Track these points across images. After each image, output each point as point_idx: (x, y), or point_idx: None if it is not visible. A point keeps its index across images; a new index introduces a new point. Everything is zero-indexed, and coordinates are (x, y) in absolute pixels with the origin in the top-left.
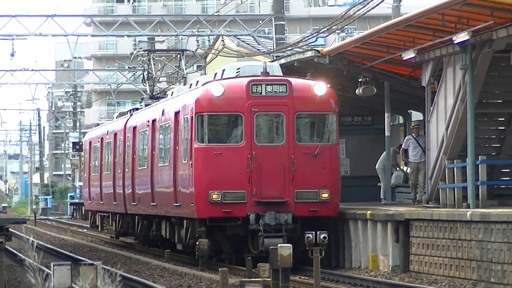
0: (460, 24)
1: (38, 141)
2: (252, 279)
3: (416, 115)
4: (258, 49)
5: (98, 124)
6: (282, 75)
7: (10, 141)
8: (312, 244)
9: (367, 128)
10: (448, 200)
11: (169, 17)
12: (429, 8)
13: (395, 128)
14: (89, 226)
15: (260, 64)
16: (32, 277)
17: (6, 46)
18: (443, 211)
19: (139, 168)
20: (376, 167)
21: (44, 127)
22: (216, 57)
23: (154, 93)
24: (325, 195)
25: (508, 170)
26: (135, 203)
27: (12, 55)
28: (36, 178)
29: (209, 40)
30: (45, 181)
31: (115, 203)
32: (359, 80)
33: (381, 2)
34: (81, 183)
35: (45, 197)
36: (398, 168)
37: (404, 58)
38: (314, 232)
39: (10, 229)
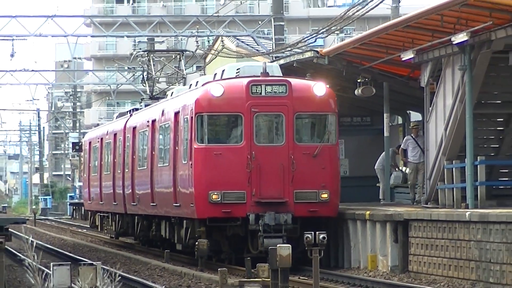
0: (459, 25)
1: (38, 141)
2: (251, 279)
3: (415, 116)
4: (257, 50)
5: (97, 125)
6: (281, 75)
7: (10, 141)
8: (311, 244)
9: (366, 129)
10: (447, 201)
11: (168, 18)
12: (428, 9)
13: (394, 129)
14: (88, 226)
15: (260, 64)
16: (32, 277)
17: (6, 46)
18: (442, 212)
19: (138, 169)
20: (375, 167)
21: (44, 128)
22: (215, 57)
23: (153, 94)
24: (325, 195)
25: (507, 171)
26: (134, 203)
27: (12, 55)
28: (36, 179)
29: (208, 41)
30: (45, 181)
31: (115, 203)
32: (358, 80)
33: (380, 3)
34: (81, 183)
35: (45, 197)
36: (397, 169)
37: (403, 59)
38: (313, 232)
39: (10, 229)
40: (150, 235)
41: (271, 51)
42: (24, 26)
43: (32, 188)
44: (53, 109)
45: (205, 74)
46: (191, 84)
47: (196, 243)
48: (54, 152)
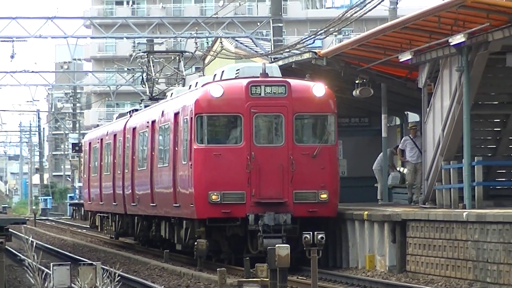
0: (456, 26)
1: (38, 142)
2: (250, 279)
3: (413, 117)
4: (256, 51)
5: (97, 125)
6: (281, 76)
7: (10, 142)
8: (309, 244)
9: (364, 129)
10: (445, 201)
11: (168, 19)
12: (426, 10)
13: (392, 129)
14: (88, 226)
15: (259, 65)
16: (32, 277)
17: (6, 48)
18: (439, 212)
19: (138, 169)
20: (373, 168)
21: (44, 128)
22: (214, 59)
23: (153, 95)
24: (324, 195)
25: (504, 171)
26: (134, 204)
27: (12, 57)
28: (36, 179)
29: (207, 42)
30: (45, 182)
31: (115, 203)
32: (356, 81)
33: (378, 4)
34: (81, 184)
35: (45, 197)
36: (395, 169)
37: (401, 60)
38: (311, 233)
39: (10, 230)
40: (150, 235)
41: (269, 52)
42: (24, 28)
43: (32, 189)
44: (53, 110)
45: (204, 75)
46: (190, 85)
47: (195, 243)
48: (54, 153)
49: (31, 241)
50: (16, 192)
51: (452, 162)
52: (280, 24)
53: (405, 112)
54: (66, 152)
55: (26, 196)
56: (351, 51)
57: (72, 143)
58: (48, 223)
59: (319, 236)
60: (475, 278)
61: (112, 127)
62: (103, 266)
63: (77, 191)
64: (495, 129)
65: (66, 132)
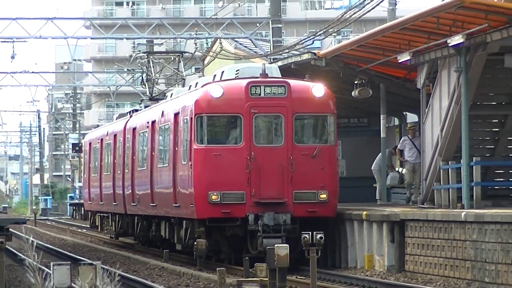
0: (454, 27)
1: (38, 142)
2: (249, 279)
3: (411, 117)
4: (255, 52)
5: (97, 126)
6: (281, 76)
7: (10, 142)
8: (308, 244)
9: (363, 130)
10: (443, 201)
11: (167, 20)
12: (424, 11)
13: (391, 130)
14: (88, 226)
15: (259, 66)
16: (32, 277)
17: (6, 48)
18: (437, 212)
19: (138, 169)
20: (372, 168)
21: (44, 129)
22: (213, 59)
23: (153, 95)
24: (324, 195)
25: (502, 171)
26: (134, 204)
27: (13, 57)
28: (36, 179)
29: (207, 43)
30: (45, 182)
31: (115, 203)
32: (355, 82)
33: (377, 5)
34: (81, 184)
35: (45, 197)
36: (393, 170)
37: (400, 61)
38: (310, 232)
39: (10, 229)
40: (150, 235)
41: (269, 53)
42: (25, 28)
43: (32, 189)
44: (53, 110)
45: (203, 76)
46: (190, 85)
47: (195, 243)
48: (54, 153)
49: (32, 241)
50: (16, 192)
51: (450, 162)
52: (280, 25)
53: (404, 113)
54: (66, 152)
55: (26, 196)
56: (350, 52)
57: (72, 143)
58: (48, 223)
59: (318, 236)
60: (473, 278)
61: (112, 127)
62: (103, 266)
63: (77, 191)
64: (493, 129)
65: (66, 132)
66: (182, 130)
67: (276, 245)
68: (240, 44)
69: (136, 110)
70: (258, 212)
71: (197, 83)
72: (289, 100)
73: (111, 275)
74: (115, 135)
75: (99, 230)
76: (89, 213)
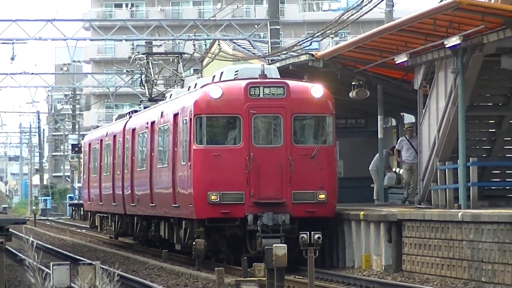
0: (451, 28)
1: (37, 143)
2: (248, 279)
3: (409, 118)
4: (253, 53)
5: (97, 127)
6: (279, 77)
7: (10, 143)
8: (306, 244)
9: (360, 131)
10: (440, 201)
11: (166, 22)
12: (421, 13)
13: (388, 131)
14: (88, 226)
15: (258, 66)
16: (32, 277)
17: (6, 50)
18: (434, 212)
19: (138, 170)
20: (369, 168)
21: (43, 130)
22: (212, 61)
23: (152, 96)
24: (322, 196)
25: (498, 172)
26: (134, 204)
27: (12, 58)
28: (36, 180)
29: (205, 44)
30: (45, 183)
31: (114, 204)
32: (353, 83)
33: (374, 7)
34: (80, 184)
35: (45, 198)
36: (390, 170)
37: (397, 62)
38: (308, 232)
39: (10, 230)
40: (149, 235)
41: (267, 54)
42: (24, 30)
43: (32, 189)
44: (52, 111)
45: (202, 77)
46: (189, 86)
47: (194, 243)
48: (53, 153)
49: (31, 241)
50: (16, 192)
51: (447, 163)
52: (277, 27)
53: (401, 114)
54: (65, 153)
55: (26, 196)
56: (348, 53)
57: (72, 144)
58: (48, 223)
59: (316, 236)
60: (470, 278)
61: (111, 128)
62: (103, 266)
63: (76, 191)
64: (490, 130)
65: (66, 133)
66: (181, 131)
67: (274, 245)
68: (239, 45)
69: (136, 111)
70: (257, 212)
71: (196, 84)
72: (288, 100)
73: (110, 275)
74: (114, 136)
75: (99, 230)
76: (89, 213)
